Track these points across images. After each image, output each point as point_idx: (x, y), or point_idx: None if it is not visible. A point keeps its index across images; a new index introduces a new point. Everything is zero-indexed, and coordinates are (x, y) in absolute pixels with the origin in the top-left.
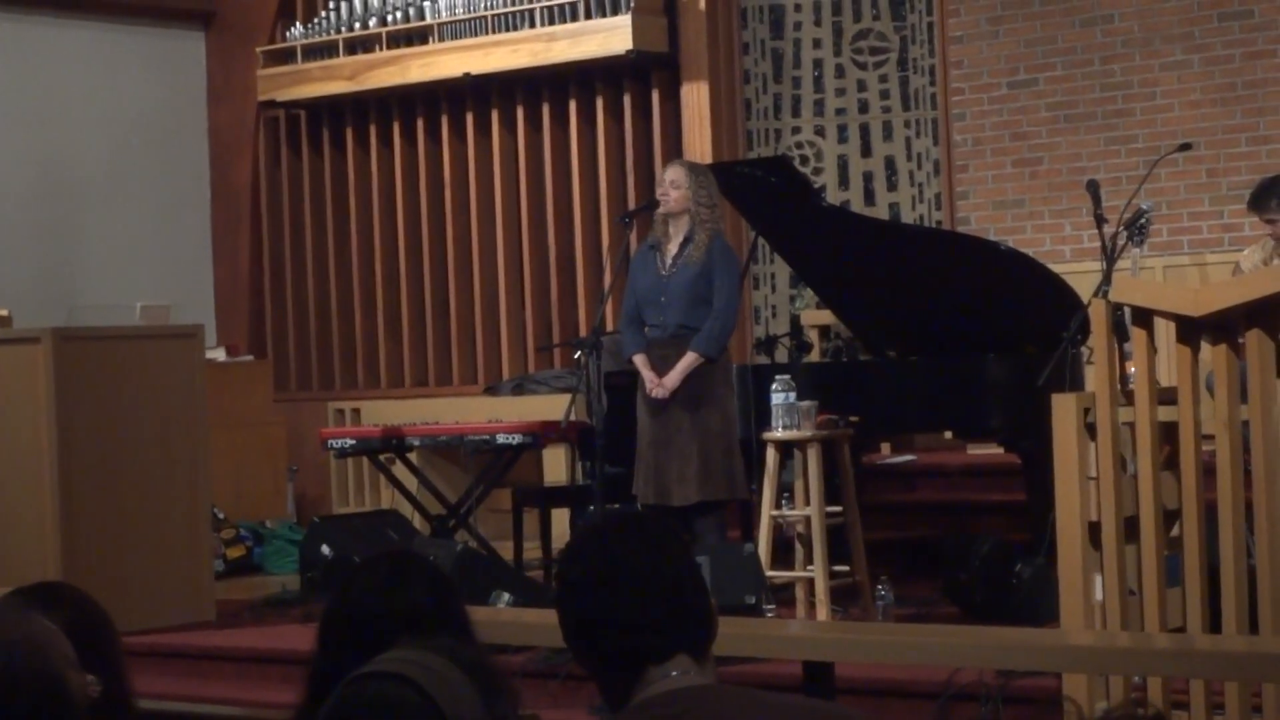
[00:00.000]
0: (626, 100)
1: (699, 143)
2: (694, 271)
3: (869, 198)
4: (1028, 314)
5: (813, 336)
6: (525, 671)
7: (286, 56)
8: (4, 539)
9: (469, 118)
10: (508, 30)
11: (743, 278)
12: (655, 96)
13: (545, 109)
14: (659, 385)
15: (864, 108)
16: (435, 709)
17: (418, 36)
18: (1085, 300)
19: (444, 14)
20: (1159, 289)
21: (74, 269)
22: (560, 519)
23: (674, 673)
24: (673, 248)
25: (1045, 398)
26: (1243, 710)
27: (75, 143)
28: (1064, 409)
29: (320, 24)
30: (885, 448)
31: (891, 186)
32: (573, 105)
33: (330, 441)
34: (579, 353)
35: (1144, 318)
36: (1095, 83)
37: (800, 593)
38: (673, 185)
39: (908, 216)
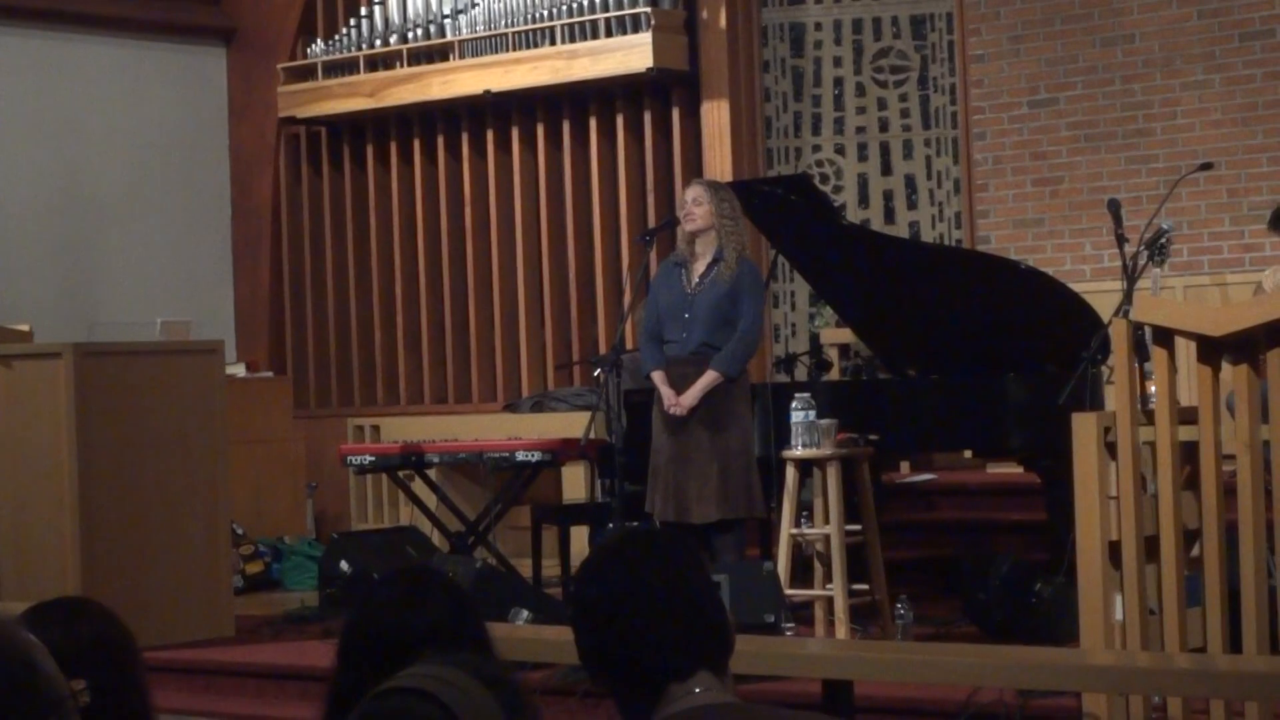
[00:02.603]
0: (647, 118)
1: (719, 161)
2: (722, 290)
3: (889, 216)
4: (1048, 333)
5: (832, 355)
6: (544, 689)
7: (307, 73)
8: (24, 554)
9: (489, 135)
10: (528, 48)
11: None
12: (675, 114)
13: (566, 126)
14: (677, 404)
15: (884, 126)
16: None
17: (438, 54)
18: (1105, 319)
19: (465, 31)
20: (1180, 308)
21: (95, 285)
22: (579, 536)
23: (697, 689)
24: (700, 265)
25: (1065, 417)
26: None
27: (96, 159)
28: (1084, 428)
29: (341, 41)
30: (905, 466)
31: (911, 205)
32: (593, 123)
33: (349, 458)
34: (598, 371)
35: (1165, 337)
36: (1116, 102)
37: (819, 611)
38: (695, 203)
39: (928, 235)
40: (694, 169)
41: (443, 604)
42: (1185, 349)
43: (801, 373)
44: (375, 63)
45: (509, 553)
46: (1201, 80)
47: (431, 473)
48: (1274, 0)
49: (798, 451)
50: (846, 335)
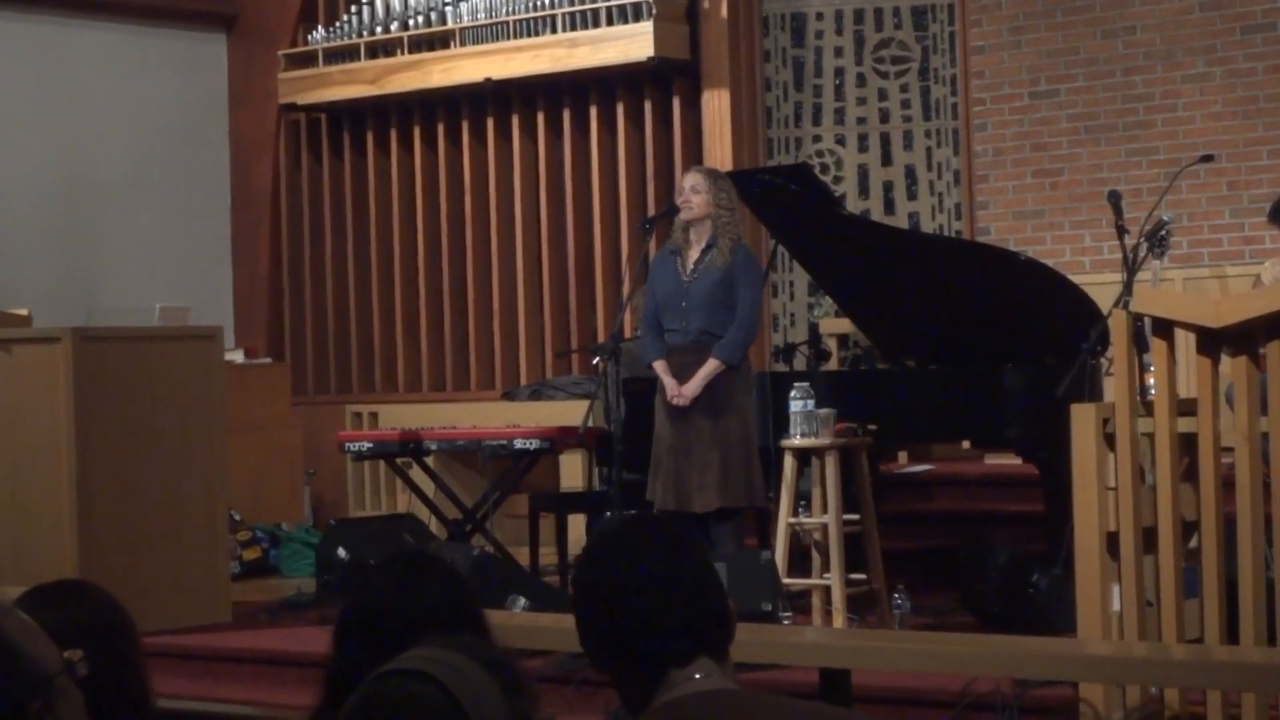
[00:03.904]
0: (647, 107)
1: (719, 150)
2: (716, 277)
3: (889, 207)
4: (1047, 324)
5: (831, 345)
6: (541, 677)
7: (308, 60)
8: (22, 538)
9: (490, 123)
10: (529, 36)
11: (763, 285)
12: (676, 103)
13: (566, 115)
14: (680, 394)
15: (885, 117)
16: (458, 706)
17: (439, 41)
18: (1105, 311)
19: (466, 19)
20: (1179, 300)
21: (94, 270)
22: (576, 525)
23: (697, 675)
24: (694, 253)
25: (1064, 408)
26: None
27: (97, 145)
28: (1083, 419)
29: (342, 28)
30: (903, 457)
31: (911, 196)
32: (594, 111)
33: (347, 445)
34: (597, 358)
35: (1164, 329)
36: (1117, 94)
37: (817, 600)
38: (693, 191)
39: (927, 226)
40: (694, 158)
41: (440, 588)
42: (1185, 341)
43: (800, 362)
44: (376, 50)
45: (506, 541)
46: (1202, 73)
47: (429, 460)
48: None
49: (796, 441)
50: (845, 325)
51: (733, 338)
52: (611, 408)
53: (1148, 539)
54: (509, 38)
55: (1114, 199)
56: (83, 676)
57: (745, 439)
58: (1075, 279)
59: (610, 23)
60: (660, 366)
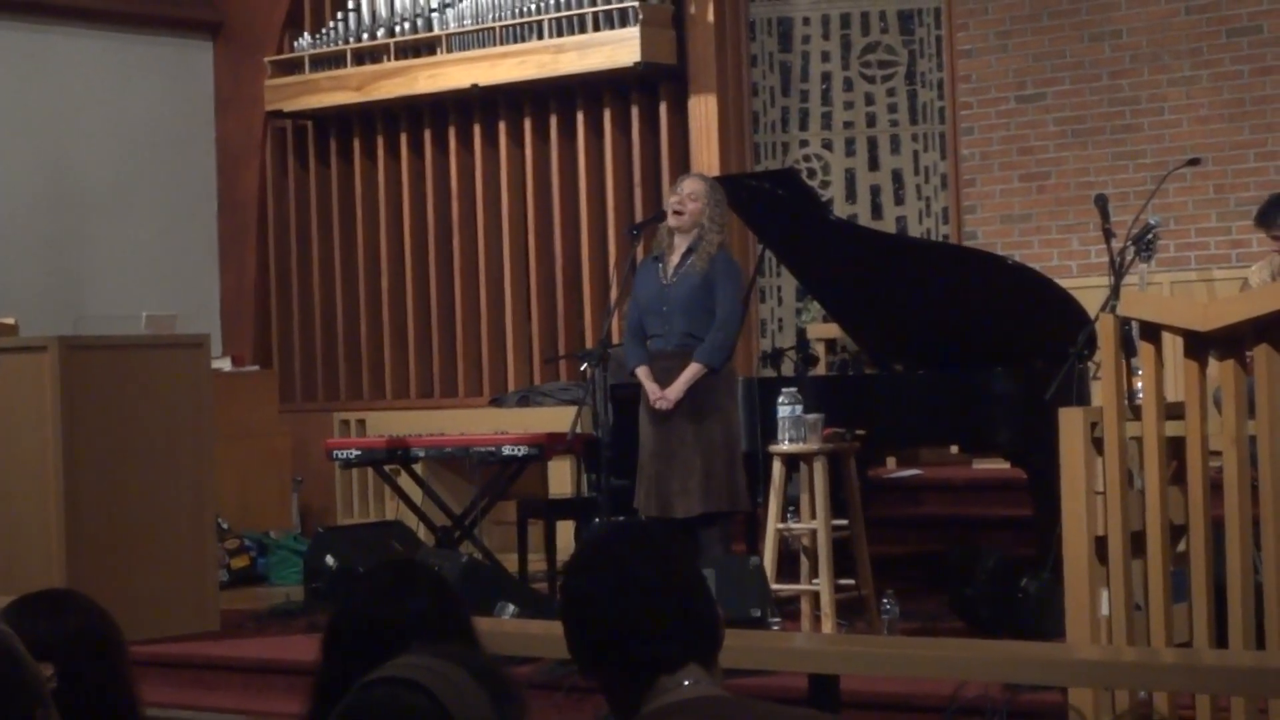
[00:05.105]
0: (634, 112)
1: (706, 155)
2: (695, 281)
3: (876, 211)
4: (1035, 328)
5: (819, 350)
6: (530, 683)
7: (294, 67)
8: (9, 547)
9: (476, 129)
10: (515, 42)
11: (749, 290)
12: (663, 109)
13: (553, 121)
14: (662, 397)
15: (872, 121)
16: (446, 714)
17: (425, 47)
18: (1092, 314)
19: (452, 25)
20: (1167, 304)
21: (81, 278)
22: (565, 531)
23: (686, 682)
24: (675, 258)
25: (1052, 412)
26: None
27: (83, 152)
28: (1071, 423)
29: (328, 34)
30: (891, 462)
31: (899, 200)
32: (580, 117)
33: (335, 452)
34: (585, 365)
35: (1152, 332)
36: (1103, 97)
37: (805, 606)
38: (690, 198)
39: (915, 230)
40: (681, 164)
41: (427, 596)
42: (1172, 344)
43: (788, 367)
44: (362, 56)
45: (495, 547)
46: (1189, 76)
47: (417, 467)
48: None
49: (784, 446)
50: (833, 330)
51: (713, 341)
52: (599, 414)
53: (1136, 543)
54: (495, 44)
55: (1101, 203)
56: (52, 690)
57: (728, 443)
58: (1062, 283)
59: (597, 28)
60: (642, 372)
